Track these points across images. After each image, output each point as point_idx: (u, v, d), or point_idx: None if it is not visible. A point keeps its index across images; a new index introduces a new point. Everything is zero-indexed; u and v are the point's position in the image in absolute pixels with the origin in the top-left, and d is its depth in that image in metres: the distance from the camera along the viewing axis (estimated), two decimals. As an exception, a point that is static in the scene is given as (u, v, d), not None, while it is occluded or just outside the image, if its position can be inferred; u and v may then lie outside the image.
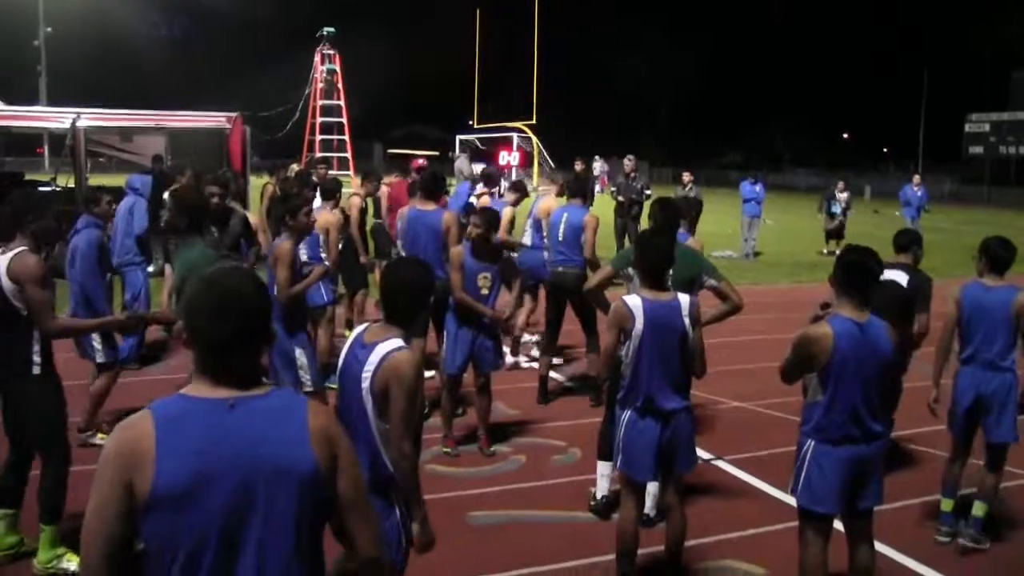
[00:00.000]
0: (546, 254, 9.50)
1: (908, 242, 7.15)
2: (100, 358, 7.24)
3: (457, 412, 7.86)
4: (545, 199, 10.59)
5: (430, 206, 8.46)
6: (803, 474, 4.70)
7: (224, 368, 2.38)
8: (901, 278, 6.75)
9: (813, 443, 4.67)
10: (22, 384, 5.16)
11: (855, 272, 4.65)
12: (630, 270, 6.12)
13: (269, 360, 6.58)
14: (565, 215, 9.06)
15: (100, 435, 7.21)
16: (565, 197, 9.83)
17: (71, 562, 5.24)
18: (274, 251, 6.65)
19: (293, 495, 2.32)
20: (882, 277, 6.16)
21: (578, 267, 8.82)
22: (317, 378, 6.74)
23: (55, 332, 5.16)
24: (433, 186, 8.68)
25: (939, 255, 22.42)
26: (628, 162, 18.42)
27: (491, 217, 7.44)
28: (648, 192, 17.23)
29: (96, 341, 7.12)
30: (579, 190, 9.35)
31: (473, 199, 12.72)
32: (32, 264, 5.01)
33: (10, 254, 5.05)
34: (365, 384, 3.75)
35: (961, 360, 6.15)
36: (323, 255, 8.70)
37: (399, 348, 3.77)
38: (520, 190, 11.63)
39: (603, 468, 6.18)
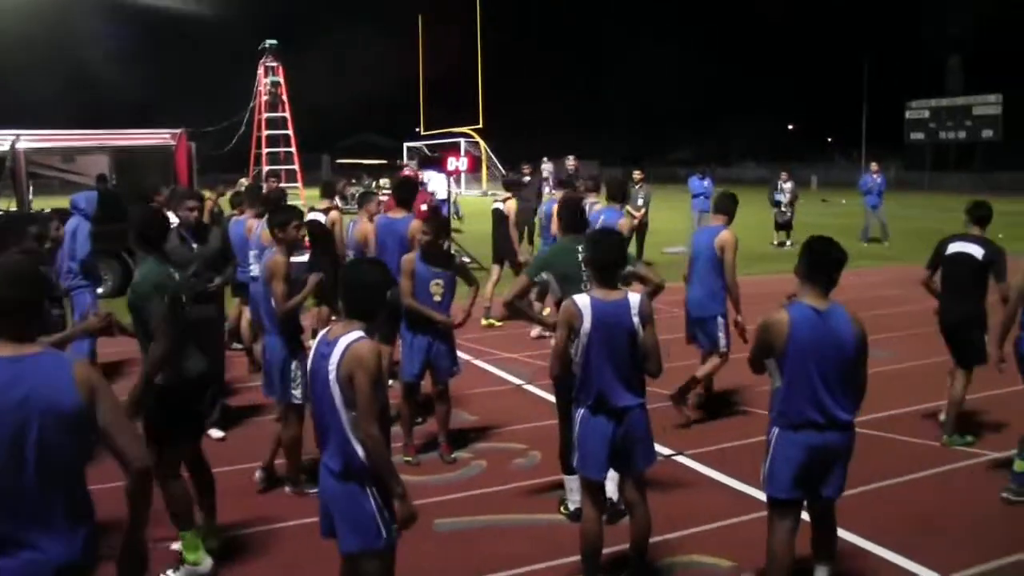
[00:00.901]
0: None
1: (986, 215, 7.52)
2: None
3: (417, 420, 7.84)
4: (587, 201, 10.74)
5: (400, 213, 8.60)
6: (768, 460, 4.83)
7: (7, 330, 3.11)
8: (975, 250, 7.11)
9: (777, 430, 4.79)
10: None
11: (821, 261, 4.73)
12: (544, 275, 6.14)
13: (266, 370, 6.67)
14: (602, 217, 9.49)
15: None
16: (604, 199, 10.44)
17: None
18: (269, 265, 6.57)
19: (63, 428, 3.04)
20: (955, 249, 6.35)
21: None
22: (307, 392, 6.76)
23: None
24: (403, 193, 8.88)
25: (902, 242, 22.81)
26: (570, 162, 18.44)
27: (441, 224, 7.43)
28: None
29: None
30: (618, 194, 9.72)
31: (500, 205, 13.38)
32: None
33: None
34: (332, 375, 3.99)
35: None
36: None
37: (360, 338, 4.03)
38: (567, 186, 12.41)
39: (570, 482, 6.16)
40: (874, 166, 25.43)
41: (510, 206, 13.39)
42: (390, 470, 4.04)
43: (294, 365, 6.55)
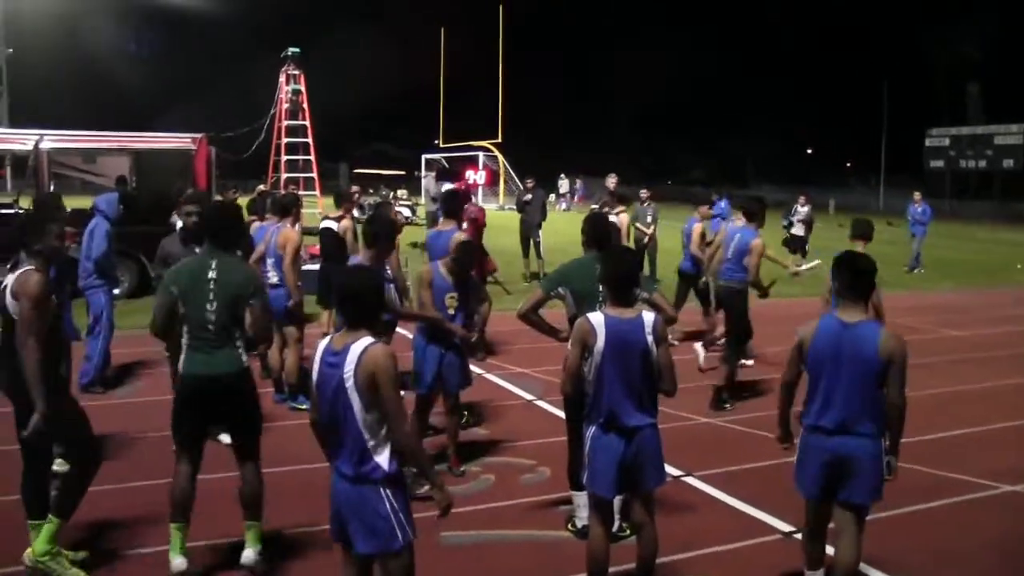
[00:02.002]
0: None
1: (866, 231, 7.67)
2: None
3: (426, 432, 7.83)
4: (737, 221, 11.17)
5: (448, 225, 8.73)
6: (796, 458, 5.11)
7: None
8: None
9: (802, 431, 5.09)
10: (25, 396, 5.17)
11: (862, 276, 4.98)
12: (561, 289, 6.15)
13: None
14: (737, 236, 9.91)
15: (58, 461, 7.03)
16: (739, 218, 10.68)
17: (64, 567, 5.31)
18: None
19: None
20: None
21: (739, 282, 9.77)
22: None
23: (22, 350, 5.09)
24: (451, 205, 9.03)
25: (936, 269, 22.70)
26: (611, 180, 18.48)
27: (468, 257, 7.38)
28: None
29: None
30: (756, 213, 10.01)
31: (614, 217, 13.87)
32: (32, 282, 5.13)
33: (16, 273, 5.20)
34: (349, 383, 4.04)
35: None
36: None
37: (372, 343, 4.09)
38: (625, 201, 14.36)
39: (579, 498, 6.14)
40: (917, 196, 25.32)
41: (623, 219, 14.18)
42: (428, 462, 4.28)
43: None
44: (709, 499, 7.05)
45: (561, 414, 7.90)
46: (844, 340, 4.86)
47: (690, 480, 7.39)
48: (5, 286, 5.23)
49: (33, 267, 5.23)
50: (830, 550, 5.51)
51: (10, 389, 5.36)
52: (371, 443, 4.07)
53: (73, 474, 5.51)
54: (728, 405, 9.55)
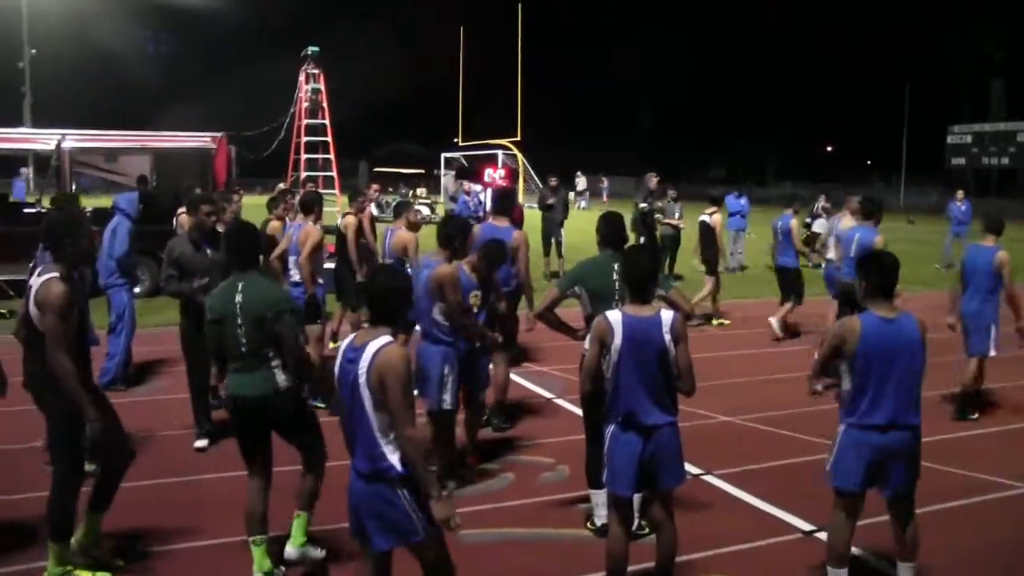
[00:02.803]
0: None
1: None
2: None
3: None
4: (844, 220, 11.85)
5: (503, 222, 8.88)
6: (832, 455, 5.16)
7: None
8: None
9: (843, 427, 5.13)
10: (53, 397, 5.22)
11: (889, 274, 5.06)
12: (576, 288, 6.15)
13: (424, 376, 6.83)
14: (857, 235, 10.20)
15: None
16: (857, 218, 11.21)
17: None
18: (438, 276, 6.77)
19: None
20: None
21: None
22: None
23: (55, 367, 5.04)
24: (504, 204, 9.31)
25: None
26: (652, 180, 18.61)
27: (493, 260, 7.36)
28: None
29: None
30: (874, 212, 10.44)
31: (706, 218, 14.65)
32: (56, 294, 5.05)
33: (42, 279, 5.14)
34: (362, 380, 4.11)
35: None
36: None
37: (388, 343, 4.15)
38: (717, 202, 15.31)
39: (597, 496, 6.15)
40: (960, 194, 25.02)
41: (716, 220, 14.54)
42: (425, 471, 4.16)
43: (446, 370, 6.73)
44: (728, 497, 7.04)
45: (580, 412, 7.92)
46: (891, 336, 4.97)
47: (709, 479, 7.37)
48: (30, 287, 5.24)
49: (57, 274, 5.14)
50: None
51: (37, 398, 5.42)
52: (383, 442, 4.12)
53: (54, 488, 5.36)
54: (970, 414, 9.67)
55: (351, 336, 4.34)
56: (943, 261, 23.15)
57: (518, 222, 12.39)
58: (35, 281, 5.19)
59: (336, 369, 4.30)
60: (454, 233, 7.20)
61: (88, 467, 5.76)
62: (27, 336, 5.30)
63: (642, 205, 18.23)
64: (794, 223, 13.15)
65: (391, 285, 4.35)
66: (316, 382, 5.58)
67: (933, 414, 7.42)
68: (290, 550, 5.53)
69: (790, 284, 13.31)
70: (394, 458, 4.12)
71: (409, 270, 9.18)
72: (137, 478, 6.77)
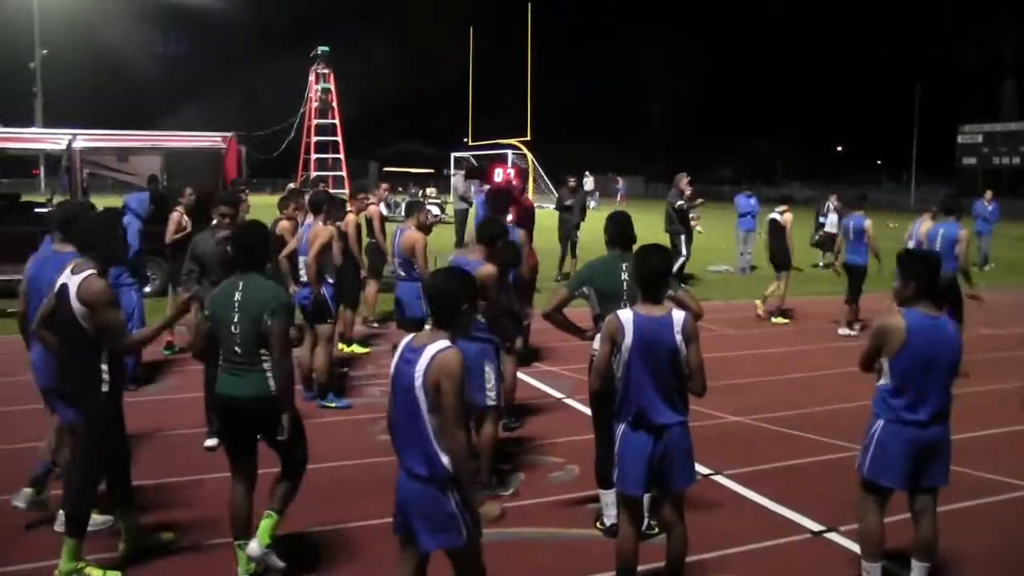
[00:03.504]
0: None
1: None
2: None
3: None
4: (923, 223, 12.40)
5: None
6: (869, 450, 5.20)
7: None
8: None
9: (882, 422, 5.18)
10: (90, 399, 5.32)
11: (934, 275, 5.19)
12: (585, 289, 6.14)
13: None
14: (941, 231, 11.11)
15: None
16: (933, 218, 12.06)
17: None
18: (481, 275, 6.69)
19: None
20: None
21: (951, 272, 10.54)
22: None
23: (130, 348, 5.35)
24: (500, 202, 9.32)
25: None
26: (683, 181, 18.65)
27: (509, 253, 7.35)
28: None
29: None
30: (953, 209, 11.36)
31: (777, 216, 15.03)
32: (100, 289, 5.24)
33: (79, 277, 5.23)
34: (418, 382, 4.13)
35: None
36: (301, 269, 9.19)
37: (447, 347, 4.16)
38: (788, 201, 15.82)
39: (607, 496, 6.15)
40: (988, 194, 25.09)
41: (787, 218, 14.84)
42: (472, 477, 4.24)
43: (487, 367, 6.67)
44: (738, 498, 7.03)
45: (590, 412, 7.92)
46: (936, 333, 5.07)
47: (719, 479, 7.36)
48: (65, 285, 5.29)
49: (95, 271, 5.29)
50: (855, 547, 5.50)
51: (69, 398, 5.50)
52: (437, 444, 4.14)
53: (71, 481, 5.50)
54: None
55: (409, 336, 4.35)
56: (978, 260, 23.26)
57: (523, 222, 12.45)
58: (70, 280, 5.26)
59: (392, 369, 4.31)
60: (500, 233, 7.13)
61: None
62: (66, 336, 5.36)
63: (679, 203, 18.35)
64: (868, 222, 13.51)
65: (449, 287, 4.34)
66: (291, 390, 5.45)
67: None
68: (254, 547, 5.35)
69: (859, 282, 13.66)
70: (447, 460, 4.14)
71: (416, 271, 9.23)
72: (147, 476, 6.81)
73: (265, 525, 5.39)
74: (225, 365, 5.34)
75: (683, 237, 17.90)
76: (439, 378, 4.08)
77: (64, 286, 5.27)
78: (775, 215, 15.08)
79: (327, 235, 9.26)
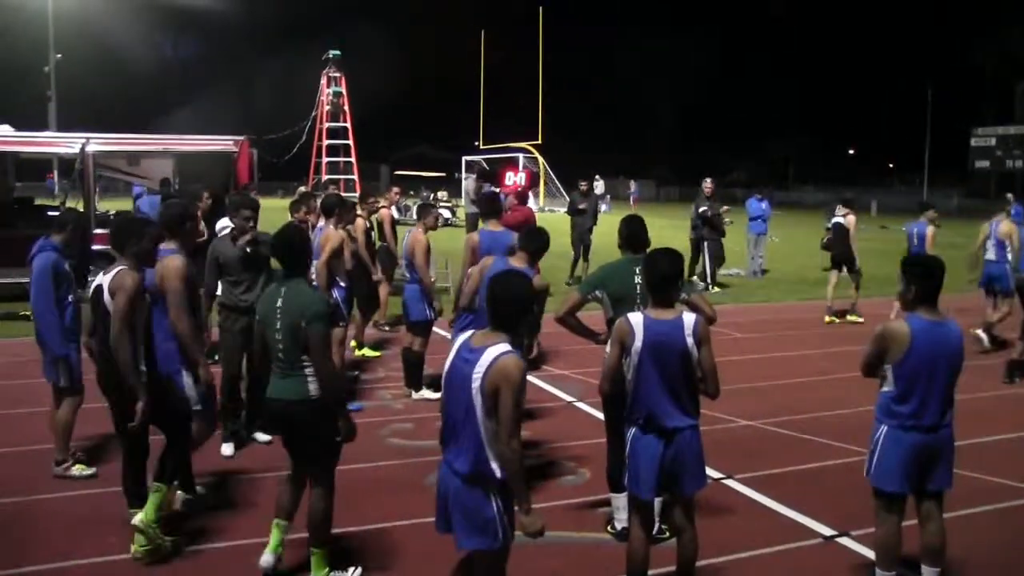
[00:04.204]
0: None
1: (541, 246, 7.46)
2: (62, 382, 7.07)
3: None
4: (1003, 223, 12.90)
5: (496, 227, 8.91)
6: (875, 456, 5.19)
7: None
8: None
9: (886, 428, 5.15)
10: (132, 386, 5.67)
11: (938, 280, 5.13)
12: (598, 292, 6.12)
13: None
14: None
15: (78, 466, 7.14)
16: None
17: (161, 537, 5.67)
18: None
19: None
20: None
21: None
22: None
23: (121, 343, 5.55)
24: (493, 206, 9.26)
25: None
26: (707, 185, 18.84)
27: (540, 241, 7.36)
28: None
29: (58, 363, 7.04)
30: None
31: (840, 219, 15.34)
32: (130, 281, 5.65)
33: (111, 273, 5.70)
34: (476, 384, 4.10)
35: None
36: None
37: (508, 352, 4.13)
38: (850, 204, 15.86)
39: (618, 500, 6.13)
40: (1010, 197, 24.93)
41: (851, 220, 15.24)
42: (524, 484, 4.19)
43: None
44: (749, 502, 7.01)
45: (601, 416, 7.90)
46: (940, 338, 5.05)
47: (730, 483, 7.35)
48: (100, 286, 5.67)
49: (127, 267, 5.71)
50: (869, 553, 5.49)
51: (108, 387, 5.81)
52: (488, 448, 4.12)
53: (172, 452, 5.99)
54: (1017, 379, 10.82)
55: (466, 335, 4.34)
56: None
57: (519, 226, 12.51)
58: (104, 278, 5.70)
59: (448, 365, 4.29)
60: (545, 245, 7.19)
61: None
62: (106, 331, 5.67)
63: (702, 209, 18.51)
64: (930, 229, 13.81)
65: (510, 292, 4.31)
66: (340, 394, 5.53)
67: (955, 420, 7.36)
68: (268, 558, 5.43)
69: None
70: (495, 464, 4.14)
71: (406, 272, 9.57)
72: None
73: (316, 560, 5.42)
74: (273, 367, 5.43)
75: (706, 244, 18.34)
76: (499, 383, 4.05)
77: (99, 288, 5.70)
78: (839, 218, 15.41)
79: (338, 239, 9.26)
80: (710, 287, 18.01)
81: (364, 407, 9.36)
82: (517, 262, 7.00)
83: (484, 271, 7.17)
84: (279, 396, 5.37)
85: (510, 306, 4.27)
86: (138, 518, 5.58)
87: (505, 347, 4.14)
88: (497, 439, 4.09)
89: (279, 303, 5.34)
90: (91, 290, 5.75)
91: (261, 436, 8.03)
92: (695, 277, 17.90)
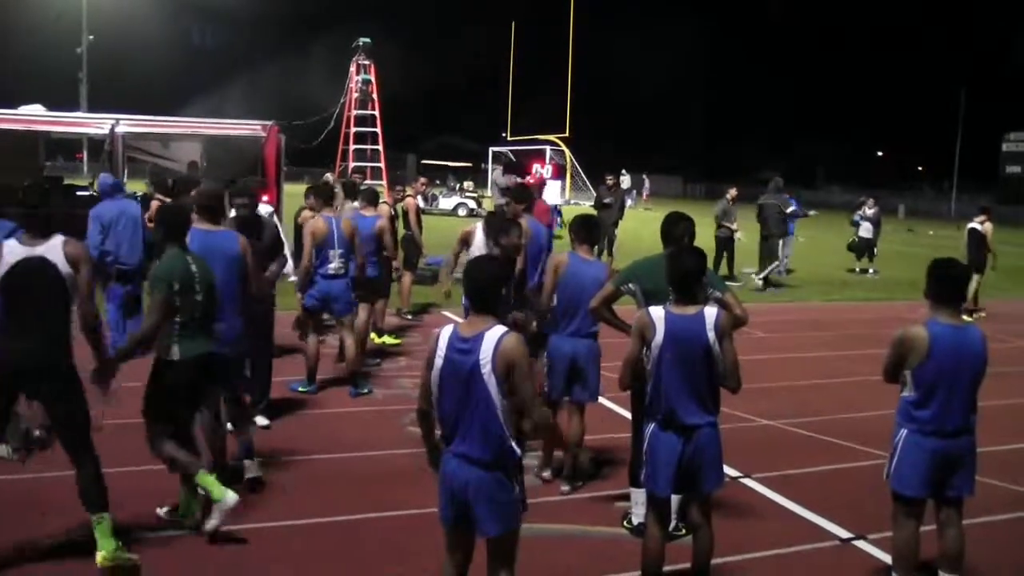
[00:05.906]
0: None
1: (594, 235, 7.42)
2: None
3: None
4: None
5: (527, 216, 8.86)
6: (894, 461, 5.17)
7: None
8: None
9: (905, 432, 5.14)
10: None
11: (945, 280, 5.15)
12: (631, 285, 6.09)
13: None
14: None
15: None
16: None
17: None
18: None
19: None
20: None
21: None
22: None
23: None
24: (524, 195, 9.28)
25: (1009, 278, 22.04)
26: (732, 192, 18.97)
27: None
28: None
29: None
30: None
31: (977, 225, 15.81)
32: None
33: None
34: (486, 368, 4.14)
35: None
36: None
37: (506, 332, 4.21)
38: (986, 211, 16.13)
39: (637, 495, 6.11)
40: None
41: (987, 228, 15.71)
42: (556, 439, 4.43)
43: (591, 367, 6.97)
44: (766, 502, 6.99)
45: (620, 410, 7.91)
46: (961, 345, 5.02)
47: (748, 482, 7.33)
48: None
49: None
50: (885, 557, 5.46)
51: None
52: (506, 429, 4.18)
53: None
54: None
55: (447, 330, 4.30)
56: None
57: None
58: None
59: (439, 361, 4.25)
60: (599, 235, 7.42)
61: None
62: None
63: (716, 214, 18.74)
64: (988, 227, 14.31)
65: (488, 275, 4.41)
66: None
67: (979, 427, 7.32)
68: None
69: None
70: (513, 443, 4.20)
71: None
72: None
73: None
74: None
75: (726, 253, 18.60)
76: (512, 361, 4.13)
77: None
78: (975, 225, 15.82)
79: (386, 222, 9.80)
80: (760, 286, 18.18)
81: (373, 390, 9.45)
82: (585, 252, 7.06)
83: (559, 269, 6.98)
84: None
85: (488, 286, 4.36)
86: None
87: (501, 327, 4.22)
88: (526, 411, 4.20)
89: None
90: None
91: (260, 420, 8.01)
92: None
